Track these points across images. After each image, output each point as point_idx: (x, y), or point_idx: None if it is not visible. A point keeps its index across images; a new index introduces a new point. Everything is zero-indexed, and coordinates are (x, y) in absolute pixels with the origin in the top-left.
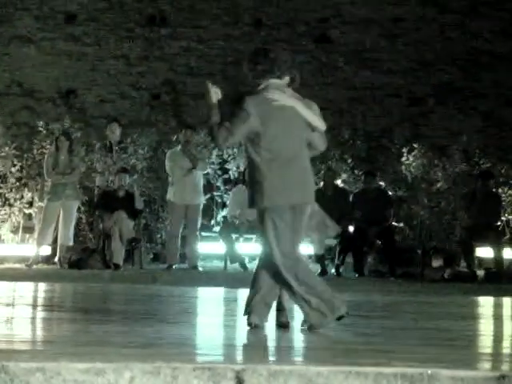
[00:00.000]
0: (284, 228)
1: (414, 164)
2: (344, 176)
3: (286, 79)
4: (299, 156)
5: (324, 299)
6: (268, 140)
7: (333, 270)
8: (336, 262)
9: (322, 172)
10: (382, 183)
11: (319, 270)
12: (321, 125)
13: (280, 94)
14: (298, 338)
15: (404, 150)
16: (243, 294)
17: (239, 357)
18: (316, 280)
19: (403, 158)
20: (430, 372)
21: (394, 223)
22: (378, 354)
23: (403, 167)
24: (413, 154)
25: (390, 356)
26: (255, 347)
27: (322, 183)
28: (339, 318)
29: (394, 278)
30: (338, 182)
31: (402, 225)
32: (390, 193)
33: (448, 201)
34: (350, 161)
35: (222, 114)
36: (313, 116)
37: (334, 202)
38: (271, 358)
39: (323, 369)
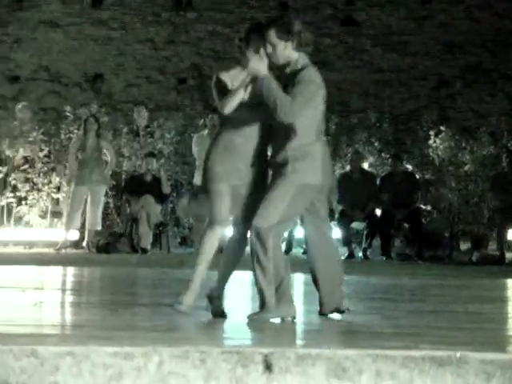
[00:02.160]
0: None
1: (441, 147)
2: (371, 159)
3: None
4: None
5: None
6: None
7: (360, 254)
8: (363, 245)
9: (349, 155)
10: (409, 166)
11: (346, 254)
12: (286, 106)
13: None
14: (326, 322)
15: (431, 132)
16: None
17: (267, 340)
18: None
19: (430, 141)
20: (458, 355)
21: (421, 206)
22: (406, 338)
23: (430, 150)
24: (440, 136)
25: (418, 339)
26: (283, 331)
27: (348, 167)
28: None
29: (422, 261)
30: (365, 165)
31: (429, 208)
32: (418, 176)
33: (476, 183)
34: (376, 144)
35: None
36: (280, 95)
37: (361, 185)
38: (299, 342)
39: (351, 352)
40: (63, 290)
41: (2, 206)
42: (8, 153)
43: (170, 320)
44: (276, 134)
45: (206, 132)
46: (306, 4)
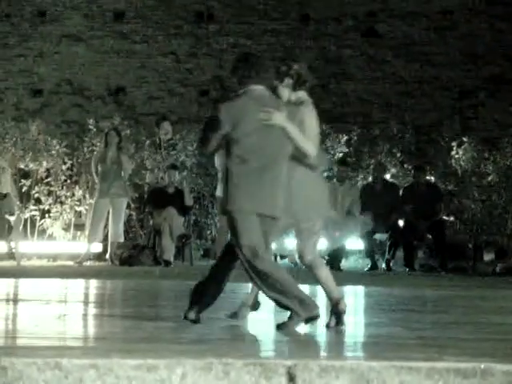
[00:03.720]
0: (249, 226)
1: (464, 157)
2: (393, 170)
3: (275, 83)
4: (272, 166)
5: (291, 298)
6: (239, 146)
7: (383, 265)
8: (386, 256)
9: (371, 167)
10: (431, 177)
11: (369, 265)
12: (310, 149)
13: (275, 113)
14: (349, 334)
15: (454, 143)
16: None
17: (290, 352)
18: (283, 279)
19: (453, 152)
20: (482, 366)
21: (444, 217)
22: (430, 349)
23: (453, 161)
24: (463, 147)
25: (441, 351)
26: (306, 343)
27: (370, 178)
28: (310, 319)
29: (445, 272)
30: (387, 176)
31: (452, 219)
32: (440, 187)
33: (499, 194)
34: (399, 155)
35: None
36: (302, 140)
37: (384, 196)
38: (322, 354)
39: (375, 364)
40: (86, 303)
41: (26, 219)
42: (31, 166)
43: (194, 332)
44: None
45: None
46: (327, 15)
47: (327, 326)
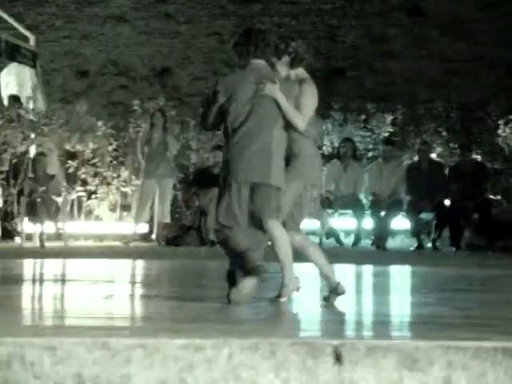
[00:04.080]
0: (229, 201)
1: (510, 136)
2: (439, 149)
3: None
4: (263, 136)
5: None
6: (233, 117)
7: (429, 245)
8: (432, 236)
9: (417, 146)
10: (477, 156)
11: (415, 245)
12: (299, 123)
13: (271, 86)
14: (395, 313)
15: (500, 122)
16: (339, 269)
17: (337, 332)
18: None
19: (499, 131)
20: None
21: (491, 196)
22: (477, 328)
23: (499, 139)
24: (509, 125)
25: (489, 330)
26: (352, 322)
27: (416, 157)
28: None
29: (492, 251)
30: (433, 155)
31: (499, 198)
32: (487, 166)
33: None
34: (444, 134)
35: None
36: (292, 113)
37: (430, 175)
38: (368, 333)
39: (421, 343)
40: (133, 283)
41: (73, 200)
42: (78, 147)
43: (240, 312)
44: None
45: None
46: None
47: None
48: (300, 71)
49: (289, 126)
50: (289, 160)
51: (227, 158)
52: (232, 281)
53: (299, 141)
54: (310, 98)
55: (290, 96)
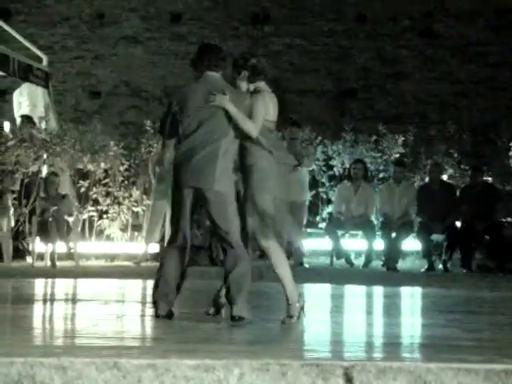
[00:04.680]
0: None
1: None
2: (450, 171)
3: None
4: (211, 144)
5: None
6: (184, 125)
7: (440, 266)
8: (443, 257)
9: (428, 167)
10: (489, 178)
11: (426, 266)
12: (250, 128)
13: (221, 96)
14: (406, 334)
15: (511, 143)
16: (350, 290)
17: (347, 353)
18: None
19: (510, 152)
20: None
21: (502, 218)
22: (488, 351)
23: (511, 161)
24: None
25: (500, 352)
26: (363, 343)
27: (427, 178)
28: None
29: (503, 273)
30: (444, 177)
31: (510, 220)
32: (498, 187)
33: None
34: (456, 155)
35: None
36: (242, 118)
37: (441, 197)
38: (379, 355)
39: (432, 365)
40: (144, 303)
41: (84, 220)
42: (89, 167)
43: (250, 333)
44: None
45: (284, 144)
46: (384, 15)
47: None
48: (261, 84)
49: (244, 137)
50: (245, 171)
51: (174, 163)
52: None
53: (254, 153)
54: (260, 106)
55: (240, 105)
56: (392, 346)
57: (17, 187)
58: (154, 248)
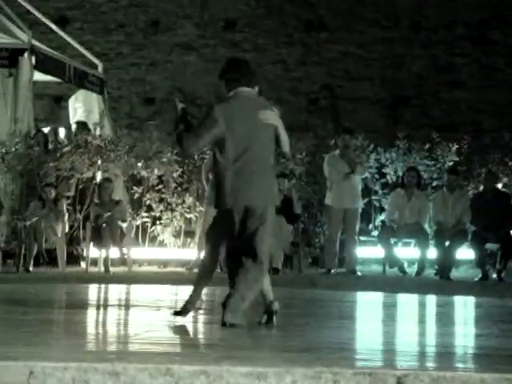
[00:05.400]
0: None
1: None
2: (505, 179)
3: (256, 89)
4: (262, 162)
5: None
6: (232, 145)
7: (494, 275)
8: (497, 266)
9: (482, 176)
10: None
11: (479, 276)
12: (288, 151)
13: (269, 113)
14: (459, 344)
15: None
16: (403, 298)
17: (400, 362)
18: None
19: None
20: None
21: None
22: None
23: None
24: None
25: None
26: (416, 352)
27: (481, 187)
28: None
29: None
30: (499, 185)
31: None
32: None
33: None
34: (510, 164)
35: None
36: (286, 140)
37: (495, 206)
38: (432, 364)
39: (486, 376)
40: (196, 310)
41: (137, 226)
42: (143, 173)
43: (303, 340)
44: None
45: (337, 152)
46: (439, 23)
47: (259, 322)
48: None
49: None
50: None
51: (228, 185)
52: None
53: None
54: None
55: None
56: (445, 355)
57: (72, 193)
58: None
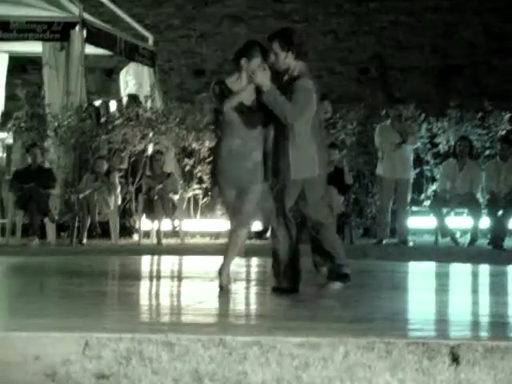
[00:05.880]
0: None
1: None
2: None
3: None
4: None
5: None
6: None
7: None
8: None
9: None
10: None
11: None
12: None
13: None
14: (511, 314)
15: None
16: (455, 268)
17: (453, 332)
18: None
19: None
20: None
21: None
22: None
23: None
24: None
25: None
26: (469, 322)
27: None
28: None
29: None
30: None
31: None
32: None
33: None
34: None
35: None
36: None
37: None
38: (486, 334)
39: None
40: (248, 281)
41: (189, 198)
42: (194, 145)
43: (355, 311)
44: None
45: (388, 122)
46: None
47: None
48: None
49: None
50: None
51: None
52: None
53: None
54: None
55: None
56: (499, 325)
57: (125, 165)
58: (258, 225)
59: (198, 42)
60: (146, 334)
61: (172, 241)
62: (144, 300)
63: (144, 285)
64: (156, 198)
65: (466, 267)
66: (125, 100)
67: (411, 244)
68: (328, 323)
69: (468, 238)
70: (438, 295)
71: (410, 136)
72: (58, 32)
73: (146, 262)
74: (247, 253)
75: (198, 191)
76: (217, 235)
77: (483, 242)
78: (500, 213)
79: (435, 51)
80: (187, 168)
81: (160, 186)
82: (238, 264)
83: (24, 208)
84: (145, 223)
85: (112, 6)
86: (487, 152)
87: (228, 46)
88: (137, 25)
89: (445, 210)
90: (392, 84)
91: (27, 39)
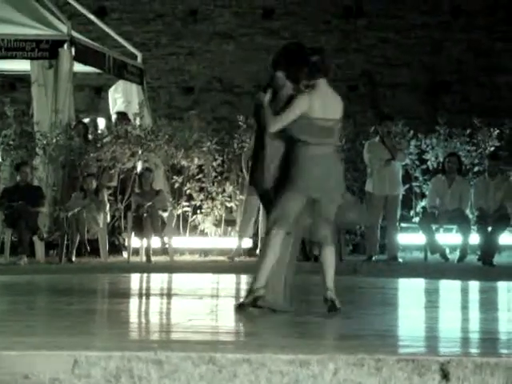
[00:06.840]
0: None
1: None
2: None
3: None
4: None
5: None
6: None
7: None
8: None
9: None
10: None
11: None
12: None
13: None
14: (503, 330)
15: None
16: (444, 285)
17: (443, 349)
18: None
19: None
20: None
21: None
22: None
23: None
24: None
25: None
26: (459, 339)
27: None
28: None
29: None
30: None
31: None
32: None
33: None
34: None
35: None
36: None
37: None
38: (476, 350)
39: None
40: (238, 298)
41: (178, 215)
42: (183, 162)
43: (345, 328)
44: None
45: (377, 139)
46: (479, 7)
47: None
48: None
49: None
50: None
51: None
52: None
53: None
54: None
55: None
56: (489, 341)
57: (114, 183)
58: (248, 243)
59: (186, 59)
60: (136, 352)
61: (161, 258)
62: (133, 318)
63: (133, 303)
64: (145, 215)
65: (456, 284)
66: (114, 118)
67: (401, 260)
68: (317, 340)
69: (457, 254)
70: (427, 312)
71: (399, 153)
72: (46, 50)
73: (135, 280)
74: (237, 270)
75: (187, 208)
76: (206, 252)
77: (473, 258)
78: (489, 229)
79: (424, 68)
80: (176, 185)
81: (149, 203)
82: (229, 281)
83: (13, 226)
84: (134, 241)
85: (100, 24)
86: (476, 168)
87: (217, 63)
88: (125, 42)
89: (434, 227)
90: (381, 101)
91: (16, 57)
